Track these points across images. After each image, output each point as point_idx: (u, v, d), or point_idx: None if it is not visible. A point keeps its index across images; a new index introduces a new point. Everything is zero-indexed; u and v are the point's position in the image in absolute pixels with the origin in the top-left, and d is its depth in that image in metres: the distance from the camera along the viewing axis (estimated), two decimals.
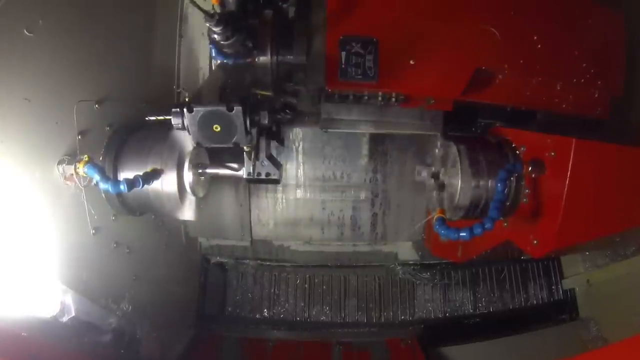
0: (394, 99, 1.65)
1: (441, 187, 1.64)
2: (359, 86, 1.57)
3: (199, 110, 1.18)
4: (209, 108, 1.18)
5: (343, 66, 1.51)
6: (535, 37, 1.67)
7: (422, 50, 1.58)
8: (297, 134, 2.33)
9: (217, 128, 1.21)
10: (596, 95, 1.82)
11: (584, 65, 1.77)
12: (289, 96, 1.64)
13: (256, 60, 1.41)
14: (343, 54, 1.51)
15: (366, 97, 1.65)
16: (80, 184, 1.31)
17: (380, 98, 1.65)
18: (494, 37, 1.61)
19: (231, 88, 1.32)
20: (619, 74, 1.88)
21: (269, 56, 1.41)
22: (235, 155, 1.60)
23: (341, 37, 1.52)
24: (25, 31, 1.11)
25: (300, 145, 2.34)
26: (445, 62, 1.61)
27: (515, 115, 1.80)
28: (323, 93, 1.69)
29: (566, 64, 1.76)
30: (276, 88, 1.49)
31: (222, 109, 1.18)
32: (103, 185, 1.25)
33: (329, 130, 1.80)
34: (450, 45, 1.61)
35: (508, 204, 1.48)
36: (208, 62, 2.21)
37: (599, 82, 1.80)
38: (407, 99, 1.68)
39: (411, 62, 1.56)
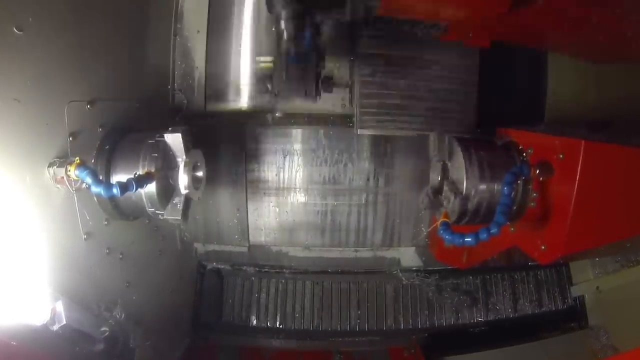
0: (437, 27, 1.66)
1: (436, 194, 1.60)
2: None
3: None
4: None
5: None
6: None
7: None
8: (296, 136, 2.30)
9: None
10: None
11: None
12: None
13: None
14: None
15: (407, 26, 1.67)
16: (72, 187, 1.27)
17: (422, 26, 1.66)
18: None
19: None
20: None
21: None
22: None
23: None
24: (14, 29, 1.09)
25: (299, 147, 2.30)
26: None
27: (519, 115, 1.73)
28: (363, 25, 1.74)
29: None
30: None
31: None
32: (95, 189, 1.21)
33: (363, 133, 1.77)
34: None
35: (515, 208, 1.43)
36: (204, 61, 2.19)
37: None
38: (448, 30, 1.67)
39: None
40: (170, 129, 1.44)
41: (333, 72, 2.14)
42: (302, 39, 1.56)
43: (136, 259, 1.75)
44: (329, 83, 1.88)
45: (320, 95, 1.87)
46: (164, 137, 1.44)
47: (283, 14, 1.37)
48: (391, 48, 1.90)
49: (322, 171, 2.35)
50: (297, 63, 1.63)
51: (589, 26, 1.59)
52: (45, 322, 1.29)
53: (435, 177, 1.62)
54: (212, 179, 1.68)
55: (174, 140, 1.43)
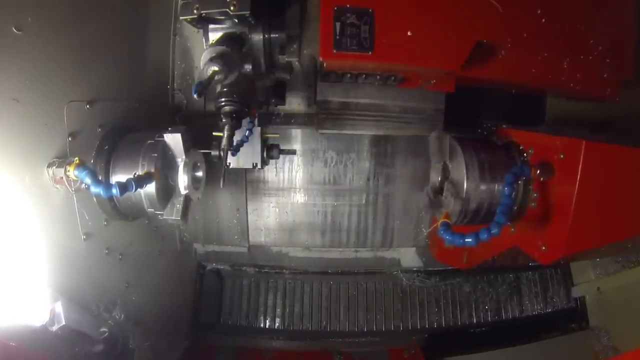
0: (392, 79, 1.60)
1: (436, 194, 1.59)
2: (355, 58, 1.51)
3: None
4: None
5: (337, 37, 1.48)
6: (538, 11, 1.63)
7: (419, 22, 1.53)
8: (296, 136, 2.29)
9: None
10: (605, 75, 1.76)
11: (591, 42, 1.72)
12: (281, 71, 1.62)
13: (250, 38, 1.42)
14: (337, 24, 1.48)
15: (364, 77, 1.61)
16: (71, 187, 1.27)
17: (378, 77, 1.60)
18: (495, 10, 1.57)
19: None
20: (629, 54, 1.82)
21: (262, 33, 1.41)
22: None
23: (335, 8, 1.49)
24: (13, 29, 1.08)
25: (299, 147, 2.30)
26: (444, 34, 1.55)
27: (520, 116, 1.74)
28: (319, 72, 1.64)
29: (572, 40, 1.71)
30: (268, 64, 1.50)
31: None
32: (94, 189, 1.20)
33: (325, 132, 1.75)
34: (449, 17, 1.56)
35: (515, 208, 1.43)
36: None
37: (608, 61, 1.75)
38: (405, 79, 1.62)
39: (409, 33, 1.51)
40: (170, 129, 1.44)
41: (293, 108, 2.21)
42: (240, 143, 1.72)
43: (135, 260, 1.74)
44: (274, 151, 1.97)
45: (267, 163, 1.99)
46: (163, 137, 1.43)
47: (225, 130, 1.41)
48: (348, 95, 1.81)
49: (322, 171, 2.35)
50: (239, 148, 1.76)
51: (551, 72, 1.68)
52: (44, 323, 1.28)
53: (435, 178, 1.62)
54: (212, 179, 1.67)
55: (174, 140, 1.43)
